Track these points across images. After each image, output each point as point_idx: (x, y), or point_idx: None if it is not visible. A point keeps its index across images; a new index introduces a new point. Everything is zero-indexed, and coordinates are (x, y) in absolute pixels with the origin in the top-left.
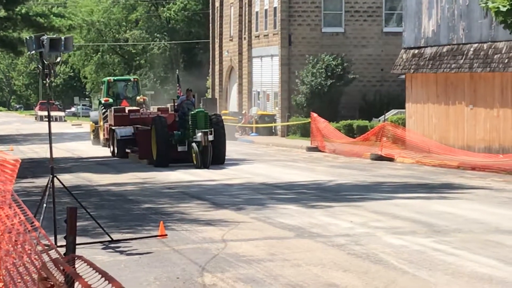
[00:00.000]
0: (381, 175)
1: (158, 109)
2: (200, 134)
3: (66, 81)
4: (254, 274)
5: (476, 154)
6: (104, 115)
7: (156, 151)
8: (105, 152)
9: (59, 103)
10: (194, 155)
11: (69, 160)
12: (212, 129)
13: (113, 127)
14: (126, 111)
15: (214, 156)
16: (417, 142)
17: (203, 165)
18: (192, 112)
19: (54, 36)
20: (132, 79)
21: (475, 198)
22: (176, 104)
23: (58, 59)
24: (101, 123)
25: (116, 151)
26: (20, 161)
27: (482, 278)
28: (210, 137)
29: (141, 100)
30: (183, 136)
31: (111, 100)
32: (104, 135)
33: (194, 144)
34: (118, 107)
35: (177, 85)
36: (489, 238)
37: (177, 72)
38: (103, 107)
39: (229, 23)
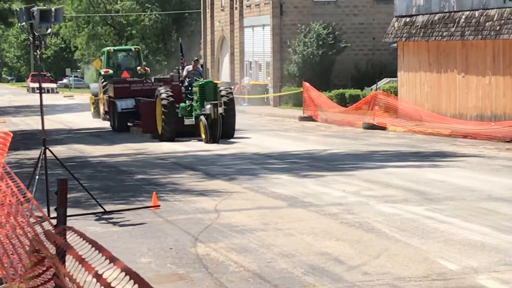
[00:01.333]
0: (373, 144)
1: (160, 80)
2: (209, 106)
3: (57, 53)
4: (247, 243)
5: (468, 122)
6: (104, 87)
7: (161, 124)
8: (98, 123)
9: (50, 74)
10: (202, 128)
11: (62, 131)
12: (222, 101)
13: (113, 99)
14: (127, 82)
15: (223, 130)
16: (409, 111)
17: (213, 139)
18: (200, 83)
19: (45, 7)
20: (133, 49)
21: (467, 166)
22: (181, 74)
23: (49, 31)
24: (101, 95)
25: (116, 124)
26: (12, 135)
27: (475, 245)
28: (220, 110)
29: (143, 70)
30: (190, 109)
31: (111, 71)
32: (103, 107)
33: (202, 117)
34: (118, 78)
35: (180, 54)
36: (481, 205)
37: (179, 41)
38: (102, 79)
39: None
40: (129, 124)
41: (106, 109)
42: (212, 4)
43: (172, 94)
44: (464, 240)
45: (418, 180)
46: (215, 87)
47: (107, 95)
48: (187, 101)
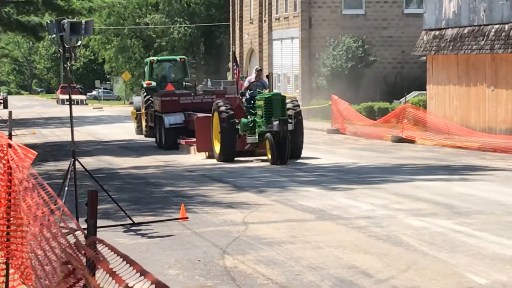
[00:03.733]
0: (402, 157)
1: (213, 93)
2: (277, 122)
3: (87, 65)
4: (275, 256)
5: (497, 136)
6: (147, 101)
7: (219, 143)
8: (127, 135)
9: (80, 86)
10: (269, 148)
11: (91, 143)
12: (293, 117)
13: (160, 114)
14: (176, 95)
15: (291, 149)
16: (438, 124)
17: (280, 160)
18: (266, 96)
19: (75, 19)
20: (178, 59)
21: (496, 179)
22: (242, 86)
23: (79, 43)
24: (143, 110)
25: (163, 141)
26: (36, 153)
27: (504, 259)
28: (290, 126)
29: (191, 82)
30: (252, 125)
31: (154, 83)
32: (147, 122)
33: (269, 135)
34: (166, 90)
35: (234, 64)
36: (510, 219)
37: (232, 49)
38: (145, 92)
39: (249, 6)
40: (179, 141)
41: (150, 124)
42: (241, 17)
43: (232, 108)
44: (493, 254)
45: (447, 194)
46: (283, 101)
47: (153, 109)
48: (248, 116)
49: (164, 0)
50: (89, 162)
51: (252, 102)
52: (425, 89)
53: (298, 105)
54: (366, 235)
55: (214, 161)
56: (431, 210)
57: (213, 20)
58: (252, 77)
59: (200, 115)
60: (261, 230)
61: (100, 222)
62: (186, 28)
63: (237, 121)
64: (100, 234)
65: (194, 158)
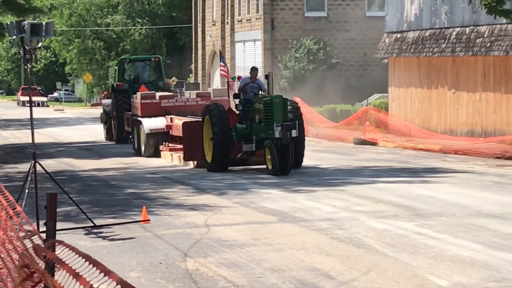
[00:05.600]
0: (364, 159)
1: (198, 95)
2: (279, 128)
3: (48, 66)
4: (237, 258)
5: (459, 138)
6: (119, 103)
7: (211, 151)
8: (89, 137)
9: (41, 88)
10: (269, 156)
11: (52, 145)
12: (297, 122)
13: (138, 118)
14: (157, 97)
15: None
16: (400, 126)
17: (281, 170)
18: (266, 99)
19: (36, 21)
20: (152, 58)
21: (457, 182)
22: (232, 87)
23: (39, 44)
24: (115, 113)
25: (143, 148)
26: None
27: (464, 261)
28: (294, 133)
29: (173, 82)
30: (249, 131)
31: (126, 85)
32: (118, 127)
33: (269, 142)
34: (147, 92)
35: (221, 63)
36: (471, 221)
37: (219, 49)
38: (117, 94)
39: (212, 8)
40: (161, 148)
41: (127, 129)
42: (203, 18)
43: (225, 112)
44: (454, 256)
45: (409, 196)
46: (285, 104)
47: (130, 113)
48: (245, 122)
49: (125, 1)
50: (50, 164)
51: (248, 105)
52: (387, 92)
53: (299, 108)
54: (328, 237)
55: (176, 163)
56: (392, 212)
57: (175, 22)
58: (246, 77)
59: (187, 119)
60: (223, 233)
61: (61, 225)
62: (147, 29)
63: (231, 127)
64: (60, 236)
65: (156, 161)
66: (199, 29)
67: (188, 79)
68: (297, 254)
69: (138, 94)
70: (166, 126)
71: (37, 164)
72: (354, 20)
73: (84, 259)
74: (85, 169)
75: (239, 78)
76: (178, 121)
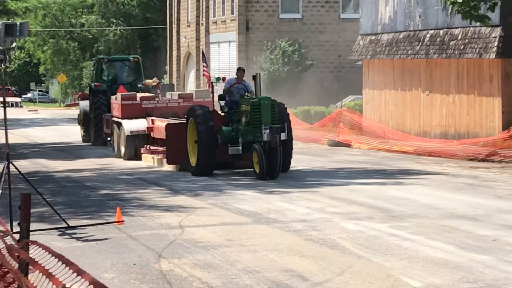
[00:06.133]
0: (338, 161)
1: (180, 96)
2: (267, 131)
3: (22, 67)
4: (211, 259)
5: (432, 140)
6: (97, 104)
7: (196, 154)
8: (63, 137)
9: (15, 88)
10: (256, 160)
11: (26, 146)
12: (286, 125)
13: (118, 119)
14: (138, 99)
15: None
16: (374, 128)
17: (270, 174)
18: (253, 100)
19: (10, 21)
20: (131, 58)
21: (430, 183)
22: (209, 86)
23: (14, 45)
24: (92, 114)
25: (123, 150)
26: None
27: (438, 262)
28: (283, 136)
29: (154, 83)
30: (235, 134)
31: (104, 85)
32: (96, 128)
33: (256, 146)
34: (127, 93)
35: (203, 64)
36: (444, 223)
37: (202, 49)
38: (95, 95)
39: (187, 9)
40: (142, 151)
41: (106, 131)
42: (178, 20)
43: (210, 113)
44: (427, 257)
45: (382, 197)
46: (274, 106)
47: (110, 115)
48: (231, 124)
49: (100, 2)
50: (24, 165)
51: (234, 107)
52: (361, 94)
53: (286, 109)
54: (302, 239)
55: (150, 164)
56: (366, 214)
57: (150, 23)
58: (232, 78)
59: (169, 121)
60: (197, 234)
61: (34, 226)
62: (122, 30)
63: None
64: (34, 237)
65: (131, 162)
66: (174, 30)
67: (162, 80)
68: (271, 255)
69: (119, 95)
70: (147, 128)
71: (10, 164)
72: (328, 22)
73: (57, 259)
74: (59, 170)
75: (223, 79)
76: (160, 123)
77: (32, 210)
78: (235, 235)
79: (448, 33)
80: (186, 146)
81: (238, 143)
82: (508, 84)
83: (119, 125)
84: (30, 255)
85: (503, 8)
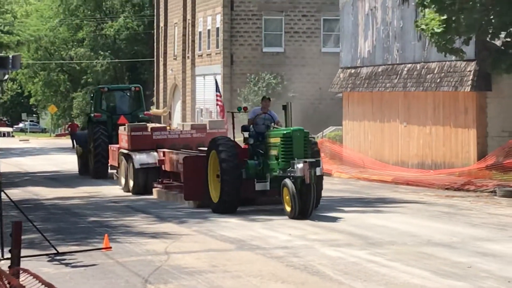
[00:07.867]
0: None
1: (192, 127)
2: (301, 165)
3: (14, 98)
4: (195, 285)
5: (410, 170)
6: (97, 135)
7: (218, 189)
8: (53, 166)
9: (7, 119)
10: (288, 197)
11: (17, 174)
12: (320, 159)
13: (127, 152)
14: (149, 130)
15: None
16: (354, 158)
17: (302, 213)
18: (284, 132)
19: (2, 54)
20: (132, 88)
21: (408, 211)
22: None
23: (6, 77)
24: (92, 146)
25: (131, 184)
26: None
27: None
28: (318, 171)
29: (164, 113)
30: (262, 168)
31: (104, 116)
32: (96, 160)
33: (288, 181)
34: (137, 124)
35: (217, 93)
36: (421, 250)
37: (215, 78)
38: (94, 125)
39: (173, 43)
40: (155, 185)
41: (113, 163)
42: (165, 53)
43: (234, 146)
44: (405, 283)
45: (362, 225)
46: (307, 138)
47: (117, 146)
48: (257, 157)
49: (89, 36)
50: (15, 193)
51: (259, 139)
52: (341, 124)
53: (316, 143)
54: (284, 265)
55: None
56: (346, 241)
57: (138, 56)
58: (257, 108)
59: (185, 153)
60: (182, 260)
61: (25, 252)
62: (108, 62)
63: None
64: (24, 263)
65: (119, 190)
66: (161, 63)
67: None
68: (254, 281)
69: (127, 126)
70: (159, 160)
71: (2, 192)
72: (310, 56)
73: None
74: (49, 198)
75: (245, 108)
76: (173, 155)
77: (23, 237)
78: (219, 261)
79: (425, 67)
80: (207, 181)
81: (265, 178)
82: (482, 116)
83: (128, 157)
84: (21, 282)
85: (478, 43)
